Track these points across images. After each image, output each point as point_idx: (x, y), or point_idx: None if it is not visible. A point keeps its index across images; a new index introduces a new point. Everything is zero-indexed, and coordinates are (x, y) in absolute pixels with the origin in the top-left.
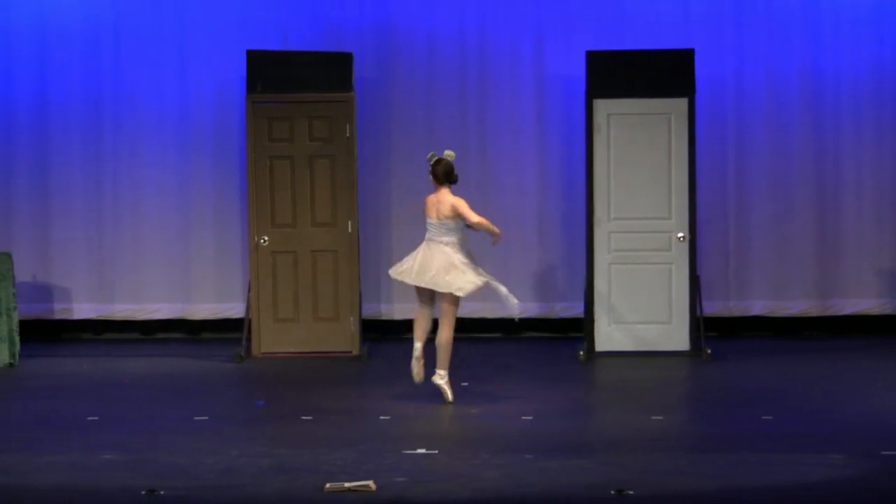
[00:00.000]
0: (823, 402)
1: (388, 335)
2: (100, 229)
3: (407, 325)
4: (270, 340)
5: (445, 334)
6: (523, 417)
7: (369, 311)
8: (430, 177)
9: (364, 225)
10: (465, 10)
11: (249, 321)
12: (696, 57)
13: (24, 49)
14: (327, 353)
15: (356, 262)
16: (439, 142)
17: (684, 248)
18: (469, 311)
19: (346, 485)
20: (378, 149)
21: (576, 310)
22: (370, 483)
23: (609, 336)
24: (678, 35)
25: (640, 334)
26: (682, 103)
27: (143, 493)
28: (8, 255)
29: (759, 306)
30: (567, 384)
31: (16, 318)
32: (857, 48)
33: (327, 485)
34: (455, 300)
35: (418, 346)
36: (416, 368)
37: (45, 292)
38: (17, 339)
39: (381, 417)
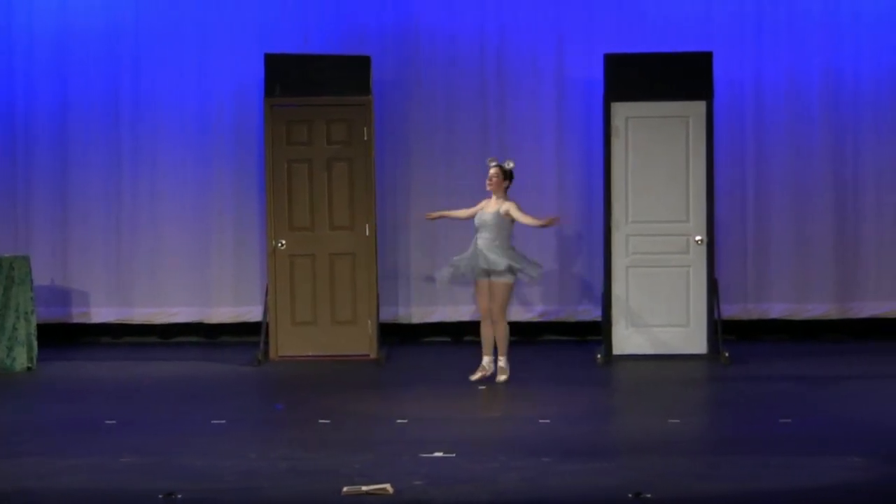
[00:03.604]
0: (843, 405)
1: (405, 339)
2: (118, 233)
3: (425, 329)
4: (288, 344)
5: (503, 327)
6: (541, 420)
7: (387, 315)
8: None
9: (382, 228)
10: (485, 13)
11: (267, 325)
12: (715, 60)
13: (44, 52)
14: (345, 356)
15: (374, 266)
16: (458, 145)
17: (702, 251)
18: None
19: (364, 488)
20: (397, 152)
21: (594, 313)
22: (387, 486)
23: (627, 339)
24: (697, 38)
25: (659, 337)
26: (700, 106)
27: (160, 496)
28: (26, 259)
29: (778, 309)
30: (585, 387)
31: (34, 321)
32: (877, 51)
33: (345, 488)
34: (503, 294)
35: (487, 359)
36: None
37: (63, 296)
38: (35, 342)
39: (399, 421)
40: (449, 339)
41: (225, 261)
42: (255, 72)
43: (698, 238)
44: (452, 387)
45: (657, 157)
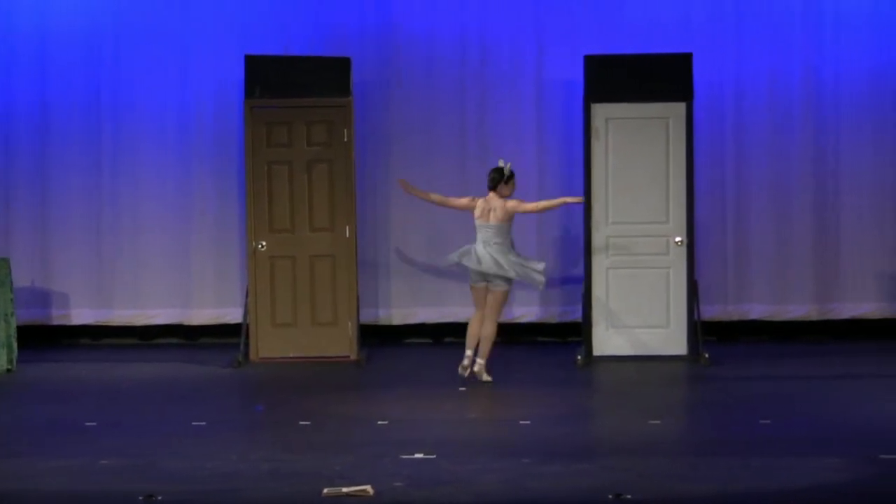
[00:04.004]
0: (822, 406)
1: (386, 340)
2: (99, 234)
3: (406, 330)
4: (269, 345)
5: (491, 328)
6: (521, 422)
7: (367, 316)
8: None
9: (362, 230)
10: (465, 14)
11: (248, 326)
12: (695, 61)
13: (24, 54)
14: (325, 358)
15: (354, 267)
16: (439, 147)
17: (682, 253)
18: (467, 316)
19: (344, 490)
20: (377, 153)
21: (574, 314)
22: (368, 488)
23: (607, 340)
24: (677, 40)
25: (639, 338)
26: (680, 107)
27: (141, 498)
28: (6, 261)
29: (758, 310)
30: (565, 388)
31: (14, 323)
32: (856, 53)
33: (325, 490)
34: (502, 300)
35: (469, 353)
36: (465, 373)
37: (43, 297)
38: (14, 344)
39: (379, 422)
40: (430, 341)
41: (205, 262)
42: (235, 73)
43: (678, 239)
44: (433, 388)
45: (637, 159)
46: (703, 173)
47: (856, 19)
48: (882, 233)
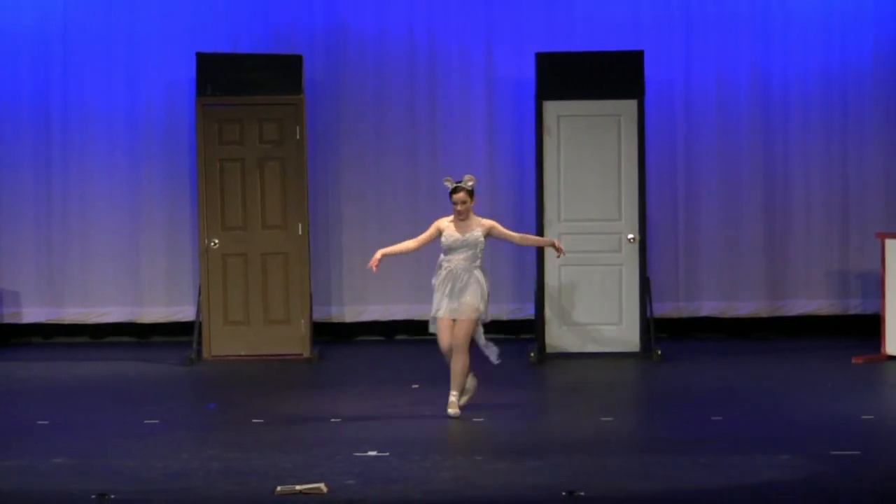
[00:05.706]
0: (773, 402)
1: (339, 338)
2: (49, 233)
3: (358, 328)
4: (221, 343)
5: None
6: (474, 419)
7: (320, 314)
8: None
9: (314, 227)
10: (414, 12)
11: (200, 324)
12: (646, 59)
13: None
14: (278, 355)
15: (307, 265)
16: (389, 144)
17: (634, 250)
18: (418, 313)
19: (298, 488)
20: (328, 151)
21: (527, 311)
22: (321, 486)
23: (560, 337)
24: (628, 38)
25: (591, 335)
26: (631, 105)
27: (93, 497)
28: None
29: (709, 307)
30: (518, 386)
31: None
32: (804, 53)
33: (278, 488)
34: (470, 327)
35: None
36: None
37: None
38: None
39: (333, 420)
40: (382, 338)
41: (157, 260)
42: (187, 71)
43: (630, 236)
44: (385, 386)
45: (589, 156)
46: (655, 171)
47: (804, 21)
48: (831, 231)
